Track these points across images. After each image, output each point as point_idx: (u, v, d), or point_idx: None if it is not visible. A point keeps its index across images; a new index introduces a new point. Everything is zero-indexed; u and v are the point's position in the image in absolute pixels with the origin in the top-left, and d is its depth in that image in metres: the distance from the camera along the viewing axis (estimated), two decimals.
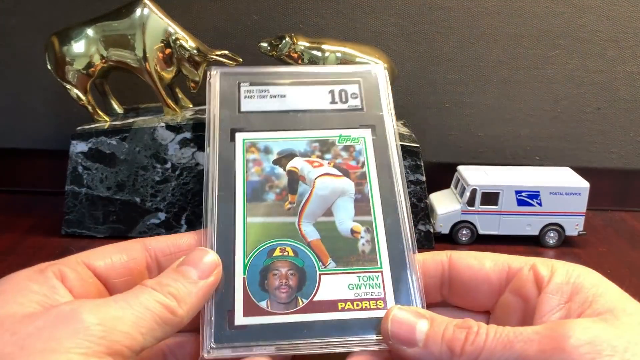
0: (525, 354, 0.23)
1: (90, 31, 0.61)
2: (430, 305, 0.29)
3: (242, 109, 0.34)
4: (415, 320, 0.26)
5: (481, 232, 0.64)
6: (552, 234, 0.64)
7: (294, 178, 0.32)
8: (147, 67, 0.61)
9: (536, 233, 0.64)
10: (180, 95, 0.66)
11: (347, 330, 0.27)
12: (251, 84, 0.34)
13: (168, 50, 0.61)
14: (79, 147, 0.61)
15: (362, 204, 0.31)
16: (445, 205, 0.65)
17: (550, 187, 0.63)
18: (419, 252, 0.30)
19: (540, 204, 0.63)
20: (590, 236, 0.66)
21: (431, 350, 0.25)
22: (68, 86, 0.62)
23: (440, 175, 0.70)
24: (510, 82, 0.73)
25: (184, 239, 0.30)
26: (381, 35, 0.71)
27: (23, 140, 0.75)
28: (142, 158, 0.61)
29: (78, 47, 0.61)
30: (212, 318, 0.27)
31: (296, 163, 0.32)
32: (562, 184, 0.64)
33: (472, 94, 0.73)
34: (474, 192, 0.63)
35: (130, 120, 0.63)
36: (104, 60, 0.62)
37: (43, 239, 0.62)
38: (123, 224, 0.63)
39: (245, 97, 0.34)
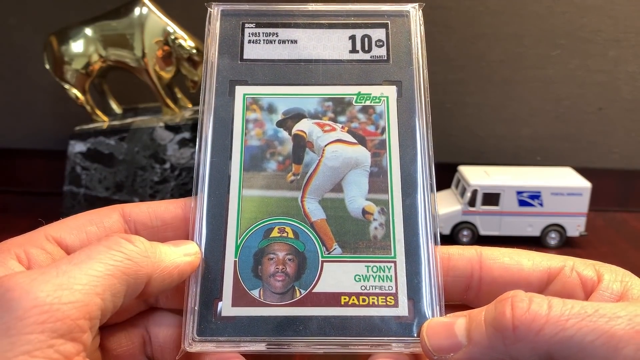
0: (613, 333, 0.18)
1: (88, 31, 0.61)
2: (446, 308, 0.26)
3: (245, 56, 0.29)
4: (452, 321, 0.22)
5: (482, 232, 0.64)
6: (553, 235, 0.64)
7: (301, 144, 0.27)
8: (146, 67, 0.60)
9: (537, 234, 0.64)
10: (179, 95, 0.66)
11: (349, 329, 0.24)
12: (257, 26, 0.29)
13: (167, 50, 0.60)
14: (77, 147, 0.61)
15: (378, 180, 0.27)
16: (446, 205, 0.65)
17: (551, 187, 0.63)
18: None
19: (541, 205, 0.63)
20: (591, 237, 0.66)
21: (478, 342, 0.20)
22: (66, 86, 0.62)
23: (441, 176, 0.69)
24: (511, 82, 0.72)
25: (170, 208, 0.26)
26: None
27: (21, 140, 0.75)
28: (140, 158, 0.61)
29: (76, 46, 0.61)
30: (196, 307, 0.24)
31: (304, 126, 0.28)
32: (563, 185, 0.63)
33: (473, 93, 0.73)
34: (474, 192, 0.63)
35: (129, 120, 0.63)
36: (102, 60, 0.61)
37: None
38: None
39: (249, 41, 0.29)
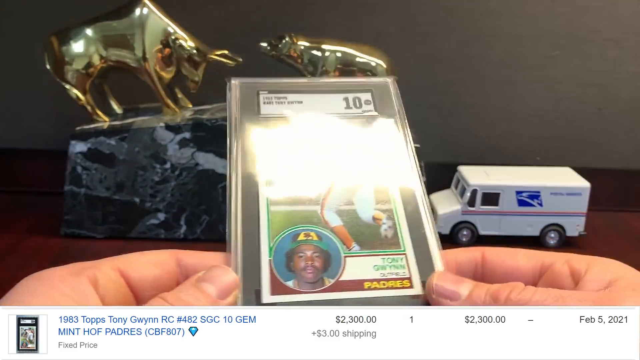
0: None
1: (89, 31, 0.61)
2: None
3: (262, 112, 0.36)
4: (461, 279, 0.27)
5: (482, 232, 0.64)
6: (552, 235, 0.64)
7: None
8: (146, 67, 0.61)
9: (537, 234, 0.64)
10: (179, 95, 0.66)
11: (374, 306, 0.28)
12: (270, 92, 0.36)
13: (167, 50, 0.61)
14: (78, 147, 0.61)
15: (381, 194, 0.33)
16: (445, 205, 0.65)
17: (551, 187, 0.63)
18: None
19: (540, 204, 0.63)
20: (591, 237, 0.66)
21: (475, 301, 0.26)
22: (67, 86, 0.62)
23: (441, 176, 0.70)
24: (511, 83, 0.73)
25: (217, 259, 0.30)
26: (381, 35, 0.71)
27: (22, 140, 0.75)
28: (141, 158, 0.61)
29: (77, 47, 0.61)
30: (241, 295, 0.28)
31: None
32: (562, 184, 0.63)
33: (472, 94, 0.73)
34: (474, 192, 0.63)
35: (130, 120, 0.63)
36: (103, 60, 0.61)
37: (42, 240, 0.62)
38: (122, 224, 0.62)
39: (264, 102, 0.36)
